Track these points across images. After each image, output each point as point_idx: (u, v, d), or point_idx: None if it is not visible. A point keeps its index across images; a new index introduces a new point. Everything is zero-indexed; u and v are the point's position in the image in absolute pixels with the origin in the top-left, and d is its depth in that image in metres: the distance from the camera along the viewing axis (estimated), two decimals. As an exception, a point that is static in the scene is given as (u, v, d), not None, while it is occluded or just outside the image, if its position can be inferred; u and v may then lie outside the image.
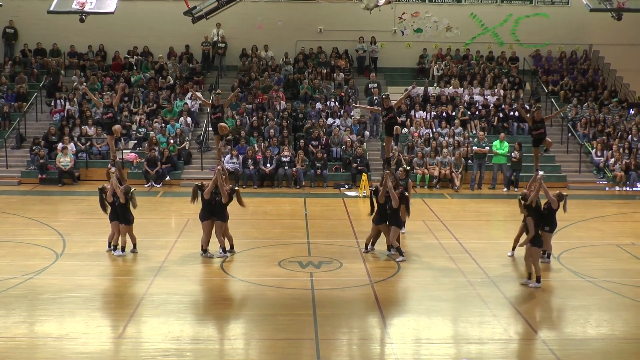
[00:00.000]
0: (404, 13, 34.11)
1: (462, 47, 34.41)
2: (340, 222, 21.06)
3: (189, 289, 14.43)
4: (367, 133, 29.62)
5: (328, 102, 30.79)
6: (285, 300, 13.78)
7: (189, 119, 29.68)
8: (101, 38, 33.37)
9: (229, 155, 26.89)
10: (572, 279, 15.04)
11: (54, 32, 32.76)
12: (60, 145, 27.32)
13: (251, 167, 26.84)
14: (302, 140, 28.11)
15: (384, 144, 19.12)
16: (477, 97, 31.26)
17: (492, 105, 30.73)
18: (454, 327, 12.72)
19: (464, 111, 30.14)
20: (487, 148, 27.31)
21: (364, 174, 25.83)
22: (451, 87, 31.89)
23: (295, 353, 11.40)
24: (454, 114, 30.11)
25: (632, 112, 31.37)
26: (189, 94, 30.33)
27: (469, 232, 19.71)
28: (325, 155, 27.58)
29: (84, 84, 30.89)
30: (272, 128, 28.62)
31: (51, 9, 23.06)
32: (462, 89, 31.85)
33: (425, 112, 30.27)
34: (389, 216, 16.58)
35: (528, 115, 18.15)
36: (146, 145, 27.66)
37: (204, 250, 16.66)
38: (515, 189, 25.93)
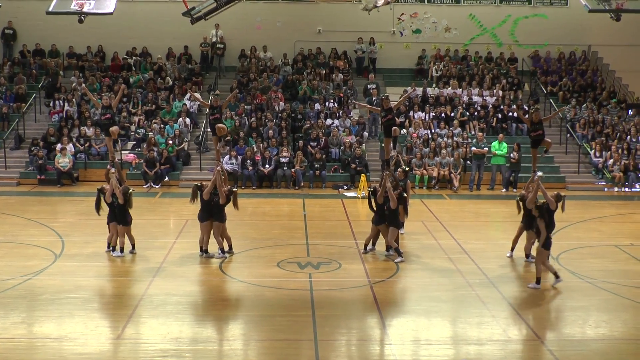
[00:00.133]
0: (402, 14, 34.09)
1: (460, 48, 34.43)
2: (339, 222, 21.07)
3: (187, 289, 14.43)
4: (365, 134, 29.62)
5: (327, 103, 30.80)
6: (284, 301, 13.78)
7: (187, 120, 29.68)
8: (100, 39, 33.36)
9: (227, 156, 26.89)
10: (570, 279, 15.03)
11: (53, 33, 32.73)
12: (59, 146, 27.31)
13: (250, 167, 26.83)
14: (300, 141, 28.11)
15: (383, 145, 19.12)
16: (475, 98, 31.28)
17: (490, 106, 30.75)
18: (452, 327, 12.72)
19: (462, 112, 30.15)
20: (486, 149, 27.32)
21: (362, 174, 25.82)
22: (450, 88, 31.91)
23: (294, 354, 11.40)
24: (452, 114, 30.11)
25: (630, 112, 31.39)
26: (188, 95, 30.33)
27: (468, 232, 19.72)
28: (324, 156, 27.57)
29: (83, 84, 30.87)
30: (271, 129, 28.62)
31: (50, 9, 23.07)
32: (460, 89, 31.87)
33: (424, 113, 30.29)
34: (387, 217, 16.57)
35: (526, 116, 18.16)
36: (145, 146, 27.65)
37: (205, 251, 16.66)
38: (514, 190, 25.93)
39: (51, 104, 30.64)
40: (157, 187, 26.50)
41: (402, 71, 34.33)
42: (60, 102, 30.39)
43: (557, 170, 28.13)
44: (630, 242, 18.49)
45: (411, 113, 30.23)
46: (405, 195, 17.22)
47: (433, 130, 29.19)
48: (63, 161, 26.73)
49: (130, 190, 16.62)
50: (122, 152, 27.82)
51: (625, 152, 27.98)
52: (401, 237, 17.58)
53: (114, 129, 17.56)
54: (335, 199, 24.87)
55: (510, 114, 30.05)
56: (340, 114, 29.96)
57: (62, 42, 33.31)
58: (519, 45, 34.49)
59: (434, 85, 32.45)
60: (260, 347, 11.69)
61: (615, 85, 33.27)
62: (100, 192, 16.72)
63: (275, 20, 33.76)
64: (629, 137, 28.94)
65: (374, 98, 29.25)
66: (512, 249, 16.89)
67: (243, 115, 29.77)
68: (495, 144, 27.21)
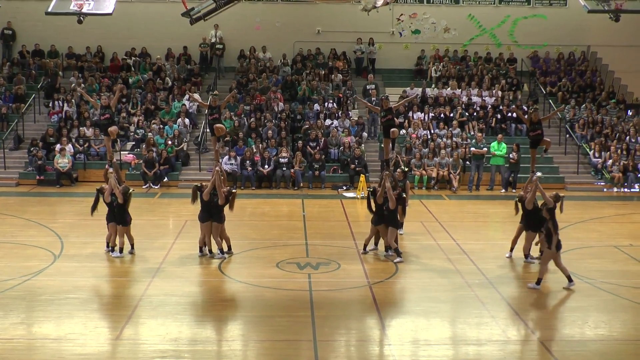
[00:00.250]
0: (401, 14, 34.12)
1: (460, 49, 34.43)
2: (338, 223, 21.07)
3: (186, 290, 14.42)
4: (365, 134, 29.63)
5: (326, 104, 30.80)
6: (283, 302, 13.78)
7: (187, 120, 29.68)
8: (99, 39, 33.36)
9: (227, 157, 26.89)
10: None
11: (52, 34, 32.72)
12: (58, 146, 27.31)
13: (249, 168, 26.83)
14: (300, 142, 28.11)
15: (382, 146, 19.13)
16: (475, 99, 31.29)
17: (490, 106, 30.76)
18: (452, 328, 12.72)
19: (461, 112, 30.16)
20: (485, 149, 27.33)
21: (362, 175, 25.83)
22: (449, 89, 31.92)
23: (293, 354, 11.40)
24: (452, 115, 30.12)
25: (630, 113, 31.40)
26: (187, 96, 30.33)
27: (467, 233, 19.72)
28: (323, 156, 27.57)
29: (82, 85, 30.89)
30: (270, 129, 28.62)
31: (49, 10, 23.07)
32: (460, 90, 31.87)
33: (423, 114, 30.30)
34: (386, 217, 16.58)
35: (525, 116, 18.16)
36: (144, 146, 27.64)
37: (209, 251, 16.67)
38: (513, 190, 25.95)
39: (50, 105, 30.63)
40: (156, 187, 26.49)
41: (401, 72, 34.33)
42: (60, 102, 30.38)
43: (556, 171, 28.14)
44: (630, 243, 18.50)
45: (410, 113, 30.24)
46: (404, 195, 17.23)
47: (432, 131, 29.20)
48: (62, 162, 26.73)
49: (130, 190, 16.63)
50: (121, 152, 27.82)
51: (625, 152, 27.99)
52: (400, 238, 17.58)
53: (113, 129, 17.54)
54: (334, 200, 24.87)
55: (510, 114, 30.05)
56: (340, 115, 29.95)
57: (62, 42, 33.30)
58: (518, 45, 34.50)
59: (433, 85, 32.45)
60: (259, 348, 11.69)
61: (615, 85, 33.28)
62: (99, 193, 16.73)
63: (274, 21, 33.77)
64: (628, 137, 28.96)
65: (373, 98, 29.25)
66: (511, 250, 16.90)
67: (242, 116, 29.77)
68: (494, 144, 27.22)
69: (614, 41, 33.05)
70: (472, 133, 29.05)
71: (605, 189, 27.10)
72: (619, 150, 27.90)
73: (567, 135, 29.92)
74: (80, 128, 28.88)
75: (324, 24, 34.05)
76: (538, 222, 16.25)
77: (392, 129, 17.79)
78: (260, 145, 27.83)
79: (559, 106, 30.70)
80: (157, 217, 21.86)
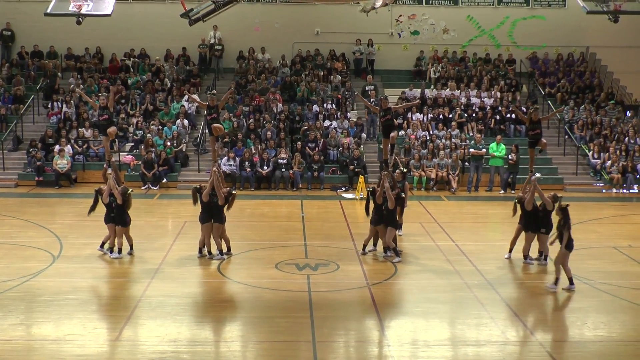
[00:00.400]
0: (400, 15, 34.13)
1: (459, 50, 34.43)
2: (337, 224, 21.07)
3: (186, 291, 14.42)
4: (364, 135, 29.63)
5: (325, 105, 30.80)
6: (282, 303, 13.78)
7: (185, 121, 29.67)
8: (98, 40, 33.35)
9: (225, 158, 26.89)
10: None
11: (51, 35, 32.69)
12: (57, 147, 27.30)
13: (248, 169, 26.83)
14: (299, 143, 28.10)
15: (382, 146, 19.14)
16: (474, 100, 31.29)
17: (489, 107, 30.76)
18: (451, 329, 12.72)
19: (460, 113, 30.17)
20: (484, 150, 27.33)
21: (360, 176, 25.82)
22: (448, 90, 31.92)
23: (292, 355, 11.40)
24: (450, 116, 30.12)
25: (628, 114, 31.41)
26: (186, 97, 30.32)
27: (466, 234, 19.73)
28: (322, 157, 27.57)
29: (81, 85, 30.87)
30: (269, 130, 28.62)
31: (48, 11, 23.00)
32: (459, 91, 31.88)
33: (422, 115, 30.29)
34: (385, 217, 16.60)
35: (525, 115, 18.18)
36: (143, 147, 27.64)
37: (209, 252, 16.67)
38: (512, 191, 25.95)
39: (49, 106, 30.62)
40: (155, 188, 26.48)
41: (400, 72, 34.31)
42: (59, 103, 30.37)
43: (555, 172, 28.15)
44: (629, 244, 18.51)
45: (409, 114, 30.23)
46: (403, 195, 17.23)
47: (431, 132, 29.20)
48: (61, 163, 26.72)
49: (129, 191, 16.63)
50: (120, 153, 27.80)
51: (623, 153, 28.00)
52: (399, 239, 17.60)
53: (112, 129, 17.54)
54: (333, 201, 24.87)
55: (509, 115, 30.05)
56: (339, 116, 29.95)
57: (60, 43, 33.29)
58: (517, 46, 34.50)
59: (432, 86, 32.45)
60: (258, 349, 11.69)
61: (613, 86, 33.30)
62: (97, 194, 16.74)
63: (273, 22, 33.78)
64: (627, 138, 28.97)
65: (372, 99, 29.25)
66: (510, 251, 16.89)
67: (241, 117, 29.76)
68: (493, 145, 27.21)
69: (613, 42, 33.04)
70: (471, 134, 29.06)
71: (604, 190, 27.10)
72: (617, 151, 27.92)
73: (566, 136, 29.92)
74: (79, 129, 28.87)
75: (323, 25, 34.04)
76: (537, 223, 16.31)
77: (391, 135, 17.81)
78: (259, 146, 27.82)
79: (558, 107, 30.69)
80: (156, 218, 21.86)
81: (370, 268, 16.21)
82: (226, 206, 16.66)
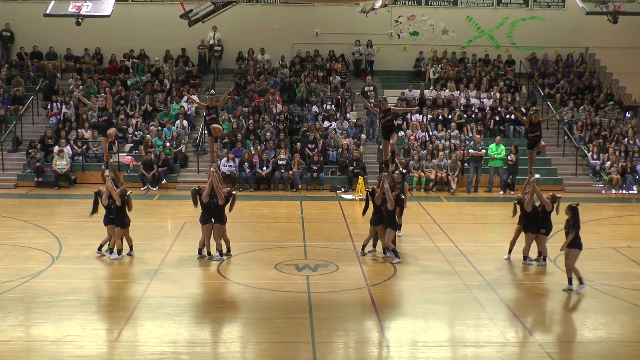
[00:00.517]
0: (400, 16, 34.14)
1: (458, 50, 34.43)
2: (336, 225, 21.07)
3: (185, 292, 14.41)
4: (363, 136, 29.62)
5: (324, 105, 30.80)
6: (281, 304, 13.78)
7: (185, 122, 29.67)
8: (98, 41, 33.33)
9: (225, 159, 26.90)
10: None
11: (51, 35, 32.69)
12: (56, 148, 27.30)
13: (247, 170, 26.83)
14: (298, 144, 28.10)
15: (381, 147, 19.14)
16: (473, 100, 31.30)
17: (488, 108, 30.76)
18: (450, 330, 12.72)
19: (460, 114, 30.16)
20: (484, 151, 27.33)
21: (360, 177, 25.82)
22: (447, 90, 31.92)
23: (291, 356, 11.40)
24: (450, 117, 30.11)
25: (628, 115, 31.41)
26: (185, 97, 30.31)
27: (466, 235, 19.73)
28: (321, 158, 27.56)
29: (80, 87, 30.86)
30: (269, 131, 28.61)
31: (47, 12, 23.04)
32: (458, 92, 31.89)
33: (421, 115, 30.29)
34: (385, 218, 16.61)
35: (524, 117, 18.18)
36: (142, 148, 27.63)
37: (208, 253, 16.66)
38: (512, 192, 25.95)
39: (49, 107, 30.61)
40: (154, 189, 26.47)
41: (400, 73, 34.31)
42: (58, 104, 30.36)
43: (554, 173, 28.15)
44: (628, 245, 18.51)
45: (409, 115, 30.22)
46: (402, 197, 17.22)
47: (431, 133, 29.20)
48: (60, 163, 26.72)
49: (127, 193, 16.62)
50: (120, 154, 27.78)
51: (623, 154, 28.02)
52: (399, 240, 17.60)
53: (111, 130, 17.55)
54: (332, 202, 24.87)
55: (508, 116, 30.05)
56: (338, 117, 29.94)
57: (60, 44, 33.28)
58: (517, 47, 34.50)
59: (431, 87, 32.45)
60: (257, 350, 11.69)
61: (613, 87, 33.30)
62: (97, 196, 16.74)
63: (272, 23, 33.78)
64: (626, 139, 28.97)
65: (371, 100, 29.25)
66: (510, 251, 16.89)
67: (240, 118, 29.75)
68: (492, 146, 27.21)
69: (612, 43, 33.06)
70: (470, 135, 29.06)
71: (603, 191, 27.10)
72: (617, 152, 27.93)
73: (566, 137, 29.92)
74: (79, 130, 28.86)
75: (322, 25, 34.04)
76: (537, 224, 16.31)
77: (391, 142, 17.83)
78: (259, 147, 27.82)
79: (558, 108, 30.73)
80: (156, 219, 21.85)
81: (370, 269, 16.21)
82: (228, 207, 16.66)
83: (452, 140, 28.36)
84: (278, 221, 21.84)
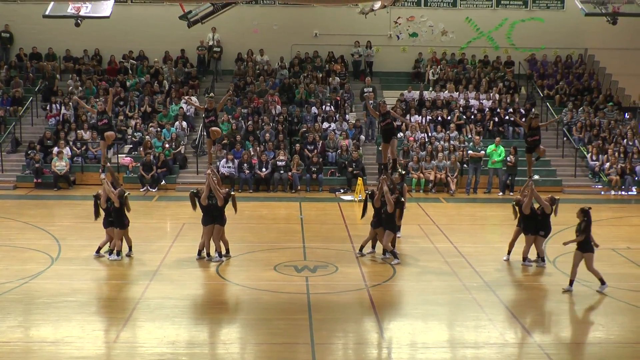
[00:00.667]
0: (399, 17, 34.15)
1: (457, 52, 34.42)
2: (335, 226, 21.07)
3: (184, 293, 14.41)
4: (362, 137, 29.62)
5: (323, 107, 30.80)
6: (281, 305, 13.78)
7: (184, 123, 29.67)
8: (97, 42, 33.30)
9: (224, 160, 26.90)
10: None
11: (50, 36, 32.66)
12: (55, 149, 27.28)
13: (247, 171, 26.83)
14: (297, 145, 28.10)
15: (381, 149, 19.14)
16: (472, 102, 31.29)
17: (487, 109, 30.76)
18: (449, 331, 12.73)
19: (459, 115, 30.16)
20: (483, 152, 27.33)
21: (359, 178, 25.83)
22: (447, 92, 31.91)
23: (290, 357, 11.40)
24: (449, 118, 30.11)
25: (627, 116, 31.41)
26: (184, 98, 30.34)
27: (465, 236, 19.73)
28: (320, 159, 27.56)
29: (80, 88, 30.86)
30: (268, 132, 28.61)
31: (47, 13, 23.06)
32: (457, 93, 31.88)
33: (420, 117, 30.28)
34: (384, 220, 16.61)
35: (523, 120, 18.18)
36: (141, 149, 27.63)
37: (207, 254, 16.66)
38: (511, 193, 25.94)
39: (48, 108, 30.59)
40: (153, 190, 26.45)
41: (399, 75, 34.30)
42: (57, 105, 30.35)
43: (553, 174, 28.16)
44: (627, 246, 18.52)
45: (408, 116, 30.23)
46: (402, 199, 17.23)
47: (430, 134, 29.19)
48: (60, 165, 26.70)
49: (125, 194, 16.61)
50: (119, 155, 27.76)
51: (622, 155, 28.02)
52: (398, 241, 17.59)
53: (110, 134, 17.51)
54: (332, 203, 24.87)
55: (507, 117, 30.06)
56: (337, 118, 29.95)
57: (59, 45, 33.26)
58: (516, 48, 34.50)
59: (430, 88, 32.45)
60: (257, 351, 11.69)
61: (612, 88, 33.30)
62: (96, 199, 16.73)
63: (271, 24, 33.77)
64: (625, 140, 28.98)
65: (370, 101, 29.25)
66: (509, 252, 16.90)
67: (240, 119, 29.75)
68: (492, 147, 27.19)
69: (612, 44, 33.05)
70: (469, 136, 29.06)
71: (602, 192, 27.10)
72: (616, 153, 27.93)
73: (565, 138, 29.92)
74: (78, 131, 28.84)
75: (321, 27, 34.04)
76: (536, 226, 16.32)
77: (391, 150, 17.84)
78: (258, 148, 27.82)
79: (557, 109, 30.82)
80: (155, 220, 21.86)
81: (369, 270, 16.21)
82: (232, 208, 16.64)
83: (452, 142, 28.36)
84: (277, 222, 21.84)
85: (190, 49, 33.50)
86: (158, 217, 22.46)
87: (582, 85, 33.21)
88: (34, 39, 33.15)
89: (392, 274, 15.82)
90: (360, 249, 17.27)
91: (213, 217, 16.45)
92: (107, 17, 23.30)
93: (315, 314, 13.13)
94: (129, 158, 27.80)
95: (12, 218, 21.38)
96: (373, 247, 17.41)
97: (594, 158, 28.33)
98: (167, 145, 27.94)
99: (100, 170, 17.04)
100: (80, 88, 30.91)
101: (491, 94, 31.63)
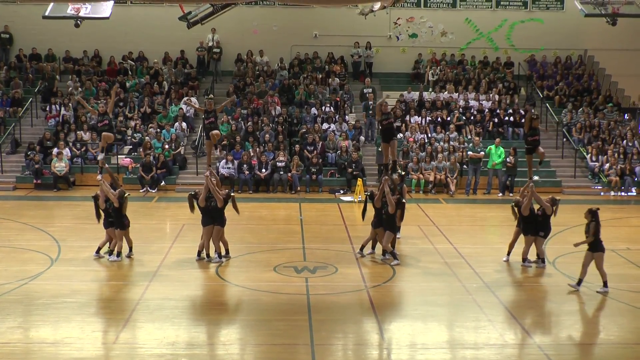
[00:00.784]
0: (399, 18, 34.17)
1: (457, 52, 34.45)
2: (335, 227, 21.06)
3: (184, 294, 14.41)
4: (362, 138, 29.63)
5: (323, 107, 30.80)
6: (280, 306, 13.77)
7: (184, 124, 29.67)
8: (96, 43, 33.31)
9: (224, 160, 26.90)
10: (567, 283, 15.02)
11: (49, 37, 32.68)
12: (55, 150, 27.29)
13: (246, 172, 26.83)
14: (297, 146, 28.10)
15: (381, 149, 19.13)
16: (472, 102, 31.30)
17: (487, 110, 30.76)
18: (449, 332, 12.73)
19: (459, 116, 30.17)
20: (482, 153, 27.33)
21: (359, 179, 25.83)
22: (446, 92, 31.92)
23: (290, 358, 11.40)
24: (449, 119, 30.12)
25: (626, 117, 31.42)
26: (184, 99, 30.32)
27: (464, 237, 19.72)
28: (320, 160, 27.56)
29: (80, 88, 30.87)
30: (268, 133, 28.61)
31: (46, 14, 23.05)
32: (457, 94, 31.89)
33: (420, 117, 30.29)
34: (385, 221, 16.62)
35: (524, 120, 18.16)
36: (141, 150, 27.62)
37: (207, 255, 16.66)
38: (511, 194, 25.93)
39: (47, 109, 30.59)
40: (153, 191, 26.44)
41: (399, 75, 34.32)
42: (57, 106, 30.35)
43: (553, 175, 28.16)
44: (627, 247, 18.51)
45: (407, 117, 30.24)
46: (403, 200, 17.23)
47: (429, 135, 29.20)
48: (59, 165, 26.70)
49: (125, 194, 16.60)
50: (119, 156, 27.76)
51: (621, 156, 28.03)
52: (397, 242, 17.59)
53: (108, 135, 17.47)
54: (331, 204, 24.87)
55: (507, 118, 30.06)
56: (337, 119, 29.95)
57: (59, 46, 33.28)
58: (515, 49, 34.52)
59: (430, 89, 32.46)
60: (256, 352, 11.69)
61: (611, 89, 33.31)
62: (95, 200, 16.71)
63: (271, 25, 33.79)
64: (625, 141, 28.98)
65: (370, 102, 29.26)
66: (509, 253, 16.89)
67: (239, 120, 29.76)
68: (491, 147, 27.19)
69: (611, 45, 33.08)
70: (469, 137, 29.07)
71: (602, 193, 27.10)
72: (616, 154, 27.93)
73: (564, 139, 29.93)
74: (78, 132, 28.84)
75: (321, 27, 34.06)
76: (536, 227, 16.32)
77: (391, 151, 17.83)
78: (258, 149, 27.82)
79: (556, 110, 30.90)
80: (155, 221, 21.85)
81: (369, 271, 16.21)
82: (233, 209, 16.63)
83: (451, 142, 28.36)
84: (277, 223, 21.84)
85: (190, 49, 33.51)
86: (158, 218, 22.45)
87: (582, 86, 33.23)
88: (34, 39, 33.18)
89: (392, 275, 15.81)
90: (361, 249, 17.27)
91: (213, 218, 16.44)
92: (107, 18, 23.30)
93: (315, 314, 13.13)
94: (128, 159, 27.79)
95: (12, 219, 21.37)
96: (373, 247, 17.42)
97: (594, 159, 28.34)
98: (166, 146, 27.95)
99: (98, 172, 17.01)
100: (80, 89, 30.90)
101: (491, 95, 31.64)
